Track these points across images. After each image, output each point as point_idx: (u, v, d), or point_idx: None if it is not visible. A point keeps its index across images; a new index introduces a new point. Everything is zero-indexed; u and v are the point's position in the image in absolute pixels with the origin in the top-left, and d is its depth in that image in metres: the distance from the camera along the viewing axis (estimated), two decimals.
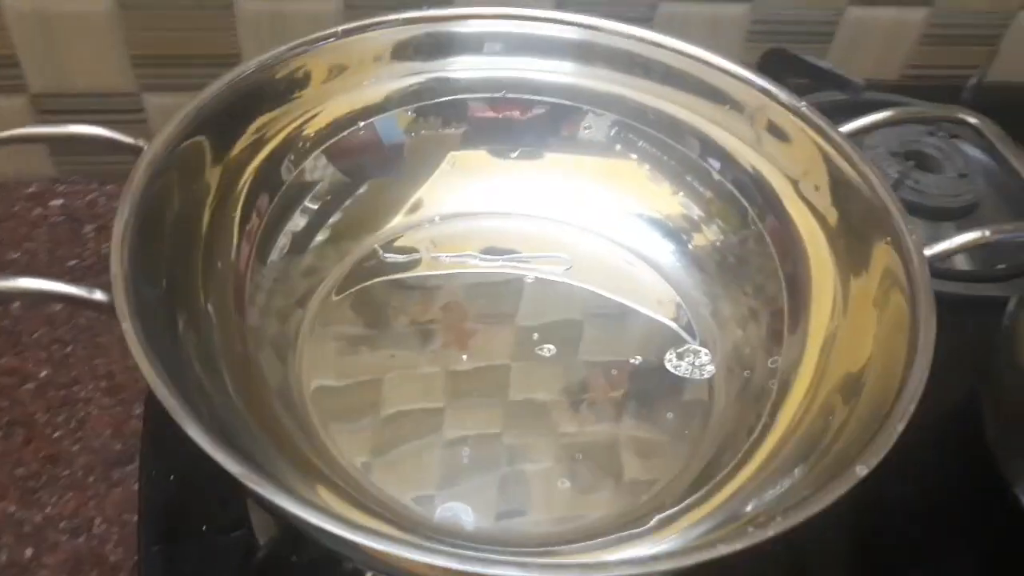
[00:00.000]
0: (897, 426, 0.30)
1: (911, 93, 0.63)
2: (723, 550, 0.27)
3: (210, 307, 0.37)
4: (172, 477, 0.40)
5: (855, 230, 0.41)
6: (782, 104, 0.43)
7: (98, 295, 0.32)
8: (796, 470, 0.33)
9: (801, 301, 0.41)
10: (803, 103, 0.43)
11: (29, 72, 0.60)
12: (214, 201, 0.38)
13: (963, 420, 0.46)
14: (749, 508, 0.34)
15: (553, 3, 0.61)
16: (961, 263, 0.55)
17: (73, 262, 0.60)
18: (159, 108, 0.63)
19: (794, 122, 0.43)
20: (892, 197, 0.39)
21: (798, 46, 0.65)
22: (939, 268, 0.54)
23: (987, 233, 0.39)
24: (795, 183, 0.43)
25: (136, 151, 0.36)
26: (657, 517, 0.35)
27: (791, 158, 0.43)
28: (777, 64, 0.62)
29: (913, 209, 0.56)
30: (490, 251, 0.46)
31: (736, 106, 0.45)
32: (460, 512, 0.36)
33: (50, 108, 0.62)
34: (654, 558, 0.31)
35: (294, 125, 0.43)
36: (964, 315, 0.46)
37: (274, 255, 0.41)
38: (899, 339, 0.34)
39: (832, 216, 0.41)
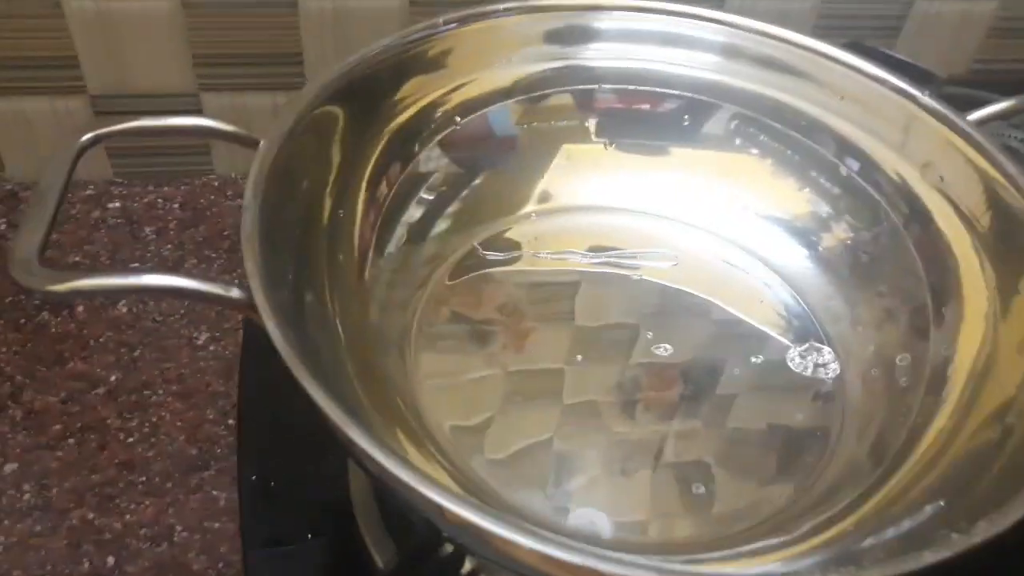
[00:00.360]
0: None
1: (982, 87, 0.62)
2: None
3: (335, 302, 0.35)
4: (272, 484, 0.38)
5: (1010, 243, 0.38)
6: (928, 110, 0.41)
7: (235, 292, 0.30)
8: (928, 507, 0.31)
9: (947, 297, 0.39)
10: (962, 117, 0.41)
11: (88, 73, 0.59)
12: (337, 184, 0.37)
13: None
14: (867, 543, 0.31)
15: None
16: None
17: (135, 265, 0.59)
18: (217, 108, 0.62)
19: (940, 128, 0.41)
20: None
21: (867, 38, 0.64)
22: None
23: None
24: (940, 188, 0.41)
25: (252, 143, 0.34)
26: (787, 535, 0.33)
27: (938, 163, 0.42)
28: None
29: None
30: (595, 248, 0.44)
31: (878, 109, 0.43)
32: (594, 518, 0.34)
33: (106, 109, 0.61)
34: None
35: (427, 101, 0.41)
36: None
37: (391, 247, 0.40)
38: None
39: (984, 224, 0.39)
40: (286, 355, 0.27)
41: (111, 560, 0.44)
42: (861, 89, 0.43)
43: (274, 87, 0.62)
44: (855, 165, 0.43)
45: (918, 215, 0.40)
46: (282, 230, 0.32)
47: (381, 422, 0.33)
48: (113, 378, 0.52)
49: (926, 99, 0.42)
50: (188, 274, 0.33)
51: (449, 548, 0.34)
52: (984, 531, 0.26)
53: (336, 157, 0.37)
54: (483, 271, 0.43)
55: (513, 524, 0.25)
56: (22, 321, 0.54)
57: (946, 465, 0.33)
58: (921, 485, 0.32)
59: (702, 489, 0.36)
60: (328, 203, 0.36)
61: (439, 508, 0.26)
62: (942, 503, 0.31)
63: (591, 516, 0.35)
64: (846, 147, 0.43)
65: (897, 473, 0.33)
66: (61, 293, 0.29)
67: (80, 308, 0.55)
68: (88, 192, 0.63)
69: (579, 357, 0.40)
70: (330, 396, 0.26)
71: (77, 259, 0.59)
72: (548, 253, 0.43)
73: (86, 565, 0.44)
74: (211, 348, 0.54)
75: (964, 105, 0.53)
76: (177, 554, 0.45)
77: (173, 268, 0.59)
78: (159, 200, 0.63)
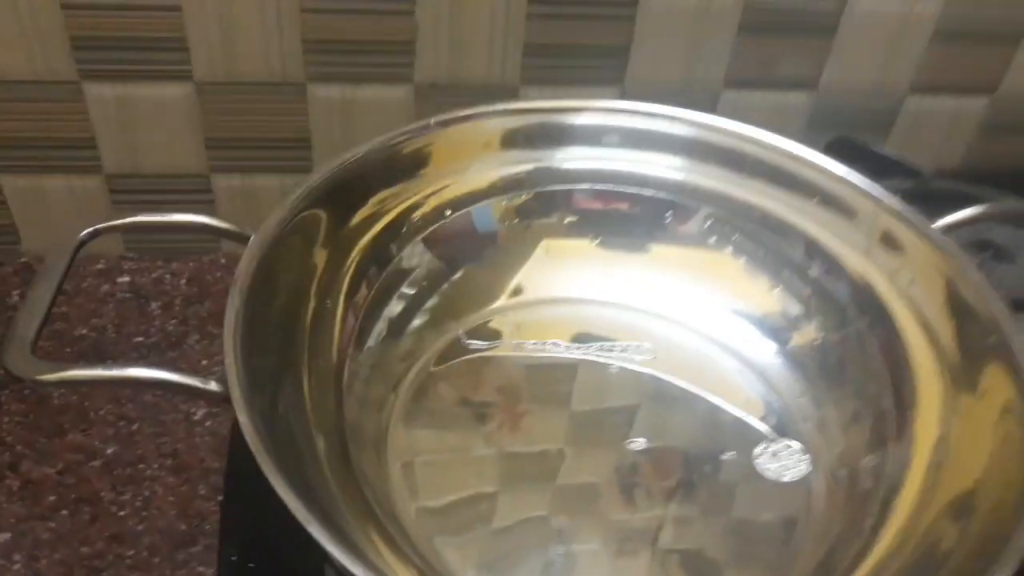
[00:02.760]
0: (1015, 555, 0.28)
1: (974, 179, 0.63)
2: None
3: (313, 398, 0.36)
4: (252, 566, 0.39)
5: (968, 349, 0.39)
6: (896, 215, 0.43)
7: (213, 386, 0.32)
8: None
9: (907, 405, 0.39)
10: (924, 219, 0.42)
11: (105, 154, 0.62)
12: (320, 283, 0.39)
13: None
14: None
15: (617, 93, 0.62)
16: None
17: (139, 339, 0.60)
18: (227, 190, 0.64)
19: (907, 233, 0.43)
20: (1009, 319, 0.38)
21: (860, 133, 0.65)
22: None
23: None
24: (904, 294, 0.42)
25: (243, 239, 0.36)
26: None
27: (903, 269, 0.43)
28: (842, 152, 0.62)
29: None
30: (576, 338, 0.45)
31: (847, 213, 0.44)
32: None
33: (122, 188, 0.64)
34: None
35: (404, 206, 0.43)
36: None
37: (371, 341, 0.41)
38: (1015, 465, 0.33)
39: (945, 332, 0.40)
40: (255, 449, 0.28)
41: None
42: (830, 191, 0.44)
43: (283, 170, 0.64)
44: (822, 267, 0.44)
45: (882, 320, 0.41)
46: (265, 327, 0.34)
47: (353, 518, 0.34)
48: (110, 451, 0.53)
49: (894, 203, 0.43)
50: (170, 368, 0.34)
51: None
52: None
53: (320, 258, 0.39)
54: (466, 357, 0.44)
55: None
56: (26, 392, 0.56)
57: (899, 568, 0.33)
58: None
59: None
60: (311, 302, 0.38)
61: None
62: None
63: None
64: (814, 249, 0.44)
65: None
66: (50, 383, 0.31)
67: None
68: (99, 266, 0.65)
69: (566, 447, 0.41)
70: (295, 491, 0.27)
71: (84, 332, 0.60)
72: (531, 343, 0.45)
73: None
74: (207, 424, 0.55)
75: (951, 200, 0.55)
76: None
77: (176, 343, 0.60)
78: (167, 276, 0.65)
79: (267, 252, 0.35)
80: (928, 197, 0.59)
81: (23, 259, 0.65)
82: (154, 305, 0.63)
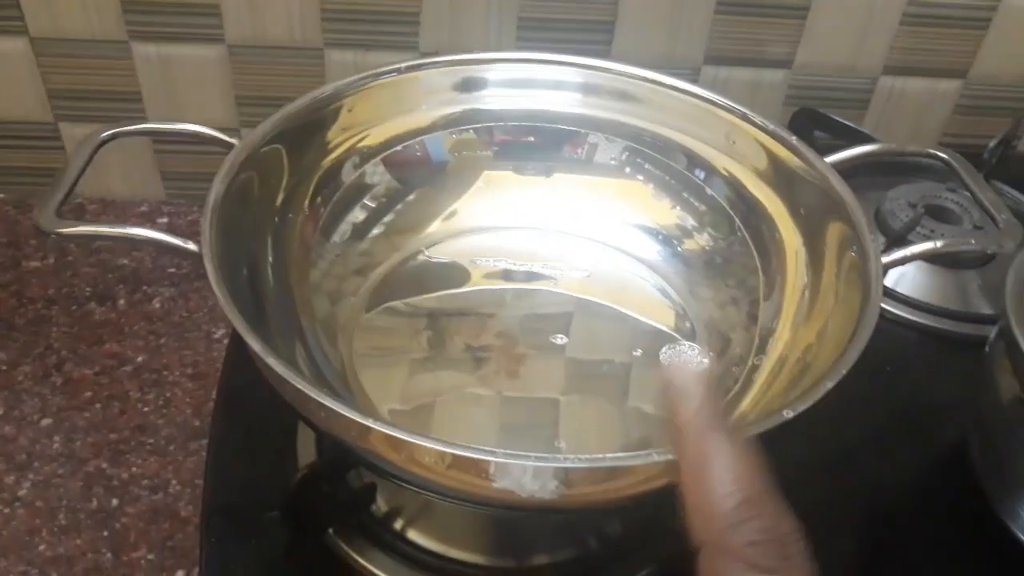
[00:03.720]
0: (827, 384, 0.36)
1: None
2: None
3: (273, 267, 0.45)
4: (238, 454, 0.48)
5: (817, 222, 0.48)
6: (749, 122, 0.52)
7: (191, 245, 0.40)
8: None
9: (776, 282, 0.48)
10: (769, 123, 0.52)
11: (149, 107, 0.70)
12: (287, 189, 0.47)
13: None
14: None
15: (601, 54, 0.69)
16: (983, 306, 0.59)
17: (172, 270, 0.69)
18: None
19: (755, 134, 0.52)
20: (848, 192, 0.47)
21: (835, 112, 0.70)
22: (948, 309, 0.58)
23: (938, 244, 0.44)
24: (763, 178, 0.52)
25: (229, 147, 0.45)
26: None
27: (756, 160, 0.52)
28: (807, 122, 0.67)
29: (931, 257, 0.61)
30: (517, 258, 0.54)
31: (711, 125, 0.54)
32: None
33: (163, 139, 0.72)
34: None
35: (356, 137, 0.51)
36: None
37: (336, 237, 0.50)
38: (851, 323, 0.40)
39: (797, 208, 0.50)
40: (215, 284, 0.36)
41: (115, 502, 0.53)
42: (695, 110, 0.53)
43: None
44: (702, 174, 0.53)
45: (746, 201, 0.52)
46: (241, 215, 0.42)
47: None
48: (140, 359, 0.62)
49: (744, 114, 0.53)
50: (159, 229, 0.44)
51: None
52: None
53: (294, 164, 0.48)
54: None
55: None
56: (73, 308, 0.65)
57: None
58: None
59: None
60: (281, 195, 0.46)
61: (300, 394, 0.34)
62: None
63: None
64: (693, 159, 0.54)
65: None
66: (66, 235, 0.41)
67: (122, 301, 0.65)
68: (142, 209, 0.74)
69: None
70: (246, 321, 0.35)
71: (124, 262, 0.69)
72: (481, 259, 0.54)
73: (94, 503, 0.53)
74: (225, 342, 0.63)
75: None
76: (170, 502, 0.53)
77: (203, 275, 0.68)
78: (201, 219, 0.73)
79: (249, 154, 0.43)
80: (890, 167, 0.65)
81: (77, 200, 0.74)
82: (189, 241, 0.71)
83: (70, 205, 0.72)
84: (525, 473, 0.32)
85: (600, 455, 0.32)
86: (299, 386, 0.34)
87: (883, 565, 0.48)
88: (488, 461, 0.32)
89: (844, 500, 0.49)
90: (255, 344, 0.35)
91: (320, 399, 0.33)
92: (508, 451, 0.31)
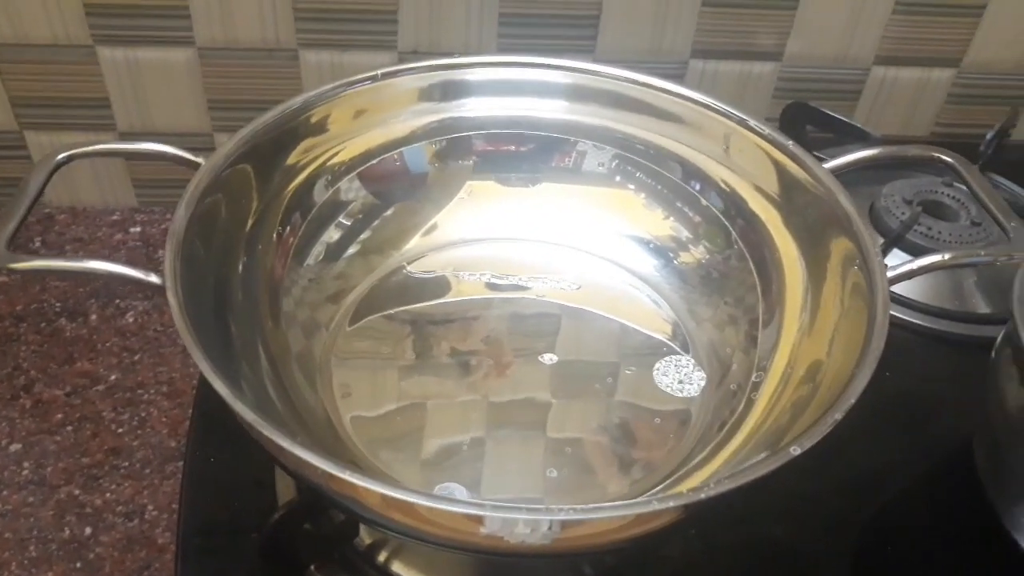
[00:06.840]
0: (835, 415, 0.33)
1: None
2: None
3: (243, 296, 0.42)
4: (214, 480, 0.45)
5: (817, 236, 0.46)
6: (748, 128, 0.49)
7: (153, 278, 0.38)
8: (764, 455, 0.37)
9: (775, 300, 0.46)
10: (767, 128, 0.49)
11: (118, 113, 0.67)
12: (256, 213, 0.44)
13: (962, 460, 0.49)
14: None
15: (590, 58, 0.66)
16: (980, 305, 0.57)
17: None
18: None
19: (755, 140, 0.49)
20: (852, 206, 0.44)
21: (826, 103, 0.68)
22: (951, 311, 0.57)
23: (946, 257, 0.42)
24: (761, 191, 0.49)
25: (195, 166, 0.42)
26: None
27: (755, 169, 0.50)
28: (798, 116, 0.65)
29: (924, 253, 0.59)
30: (502, 271, 0.51)
31: (706, 132, 0.51)
32: (455, 491, 0.40)
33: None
34: None
35: (329, 152, 0.49)
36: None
37: (310, 260, 0.47)
38: (856, 344, 0.38)
39: (797, 221, 0.48)
40: (179, 322, 0.33)
41: (88, 530, 0.51)
42: (689, 114, 0.51)
43: None
44: (697, 185, 0.50)
45: (743, 214, 0.49)
46: (208, 235, 0.40)
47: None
48: (113, 377, 0.59)
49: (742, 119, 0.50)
50: (132, 239, 0.41)
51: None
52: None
53: (261, 184, 0.45)
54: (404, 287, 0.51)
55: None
56: (42, 325, 0.62)
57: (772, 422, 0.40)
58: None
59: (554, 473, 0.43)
60: (250, 219, 0.44)
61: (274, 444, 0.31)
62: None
63: (452, 489, 0.40)
64: (689, 169, 0.51)
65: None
66: (19, 270, 0.38)
67: (93, 316, 0.63)
68: (114, 217, 0.71)
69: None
70: (212, 359, 0.32)
71: None
72: (465, 274, 0.51)
73: (67, 533, 0.51)
74: None
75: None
76: (146, 529, 0.51)
77: None
78: None
79: (215, 176, 0.40)
80: (883, 162, 0.63)
81: (46, 210, 0.71)
82: (160, 252, 0.68)
83: (37, 215, 0.70)
84: (516, 522, 0.30)
85: (595, 504, 0.30)
86: (267, 433, 0.31)
87: (886, 573, 0.46)
88: (480, 515, 0.30)
89: (845, 505, 0.47)
90: (222, 389, 0.32)
91: (291, 448, 0.31)
92: (495, 503, 0.29)
